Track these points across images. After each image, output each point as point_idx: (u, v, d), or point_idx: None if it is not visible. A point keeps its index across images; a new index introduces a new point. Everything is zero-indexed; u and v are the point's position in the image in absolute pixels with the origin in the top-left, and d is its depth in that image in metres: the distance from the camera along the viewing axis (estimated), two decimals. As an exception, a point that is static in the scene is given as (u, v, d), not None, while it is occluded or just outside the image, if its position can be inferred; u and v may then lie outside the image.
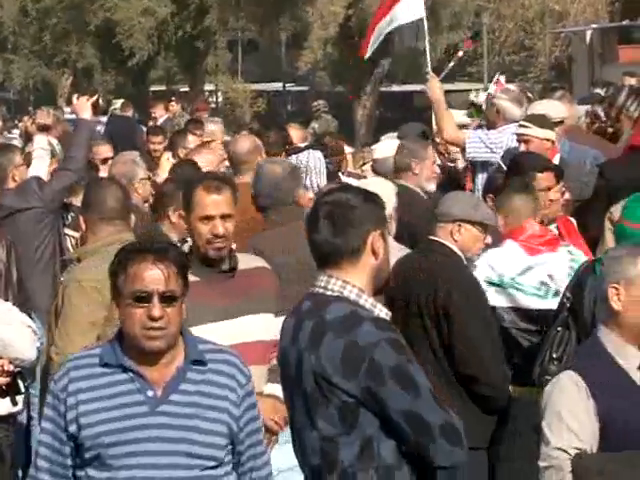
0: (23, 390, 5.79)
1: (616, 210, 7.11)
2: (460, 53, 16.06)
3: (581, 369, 4.74)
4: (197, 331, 5.40)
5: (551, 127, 9.02)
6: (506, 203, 7.21)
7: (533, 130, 8.76)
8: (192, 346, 4.48)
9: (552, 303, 6.62)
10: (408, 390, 4.29)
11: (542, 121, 8.97)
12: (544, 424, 4.77)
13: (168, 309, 4.35)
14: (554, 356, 6.04)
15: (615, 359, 4.75)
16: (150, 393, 4.35)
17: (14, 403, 5.74)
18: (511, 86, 11.86)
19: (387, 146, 10.03)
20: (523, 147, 8.76)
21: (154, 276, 4.33)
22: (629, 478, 4.67)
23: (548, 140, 8.82)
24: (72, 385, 4.35)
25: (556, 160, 8.69)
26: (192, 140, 10.97)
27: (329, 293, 4.46)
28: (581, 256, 6.99)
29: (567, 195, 7.94)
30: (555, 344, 6.05)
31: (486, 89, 13.60)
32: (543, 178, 7.55)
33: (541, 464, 4.75)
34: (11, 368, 5.86)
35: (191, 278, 5.67)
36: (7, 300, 6.87)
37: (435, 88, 10.11)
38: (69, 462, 4.36)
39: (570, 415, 4.68)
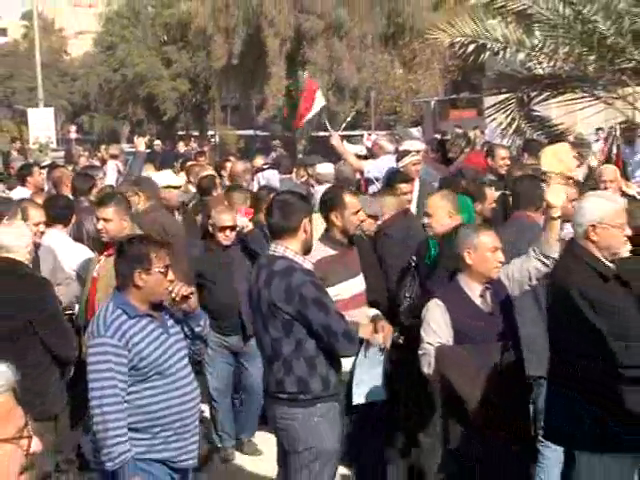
0: None
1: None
2: (348, 118, 16.49)
3: (442, 297, 4.70)
4: (338, 288, 5.09)
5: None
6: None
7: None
8: None
9: None
10: (323, 311, 4.26)
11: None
12: (421, 330, 4.70)
13: None
14: (407, 295, 5.97)
15: (465, 291, 4.72)
16: (163, 326, 4.17)
17: None
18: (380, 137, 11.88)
19: (325, 167, 10.00)
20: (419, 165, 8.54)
21: (167, 255, 4.18)
22: (462, 357, 4.64)
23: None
24: (127, 334, 4.01)
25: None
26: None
27: (276, 254, 4.41)
28: None
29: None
30: (407, 288, 5.99)
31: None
32: (404, 187, 7.53)
33: (419, 352, 4.69)
34: None
35: (332, 251, 5.35)
36: None
37: (336, 142, 9.99)
38: (127, 386, 4.03)
39: (434, 323, 4.62)
